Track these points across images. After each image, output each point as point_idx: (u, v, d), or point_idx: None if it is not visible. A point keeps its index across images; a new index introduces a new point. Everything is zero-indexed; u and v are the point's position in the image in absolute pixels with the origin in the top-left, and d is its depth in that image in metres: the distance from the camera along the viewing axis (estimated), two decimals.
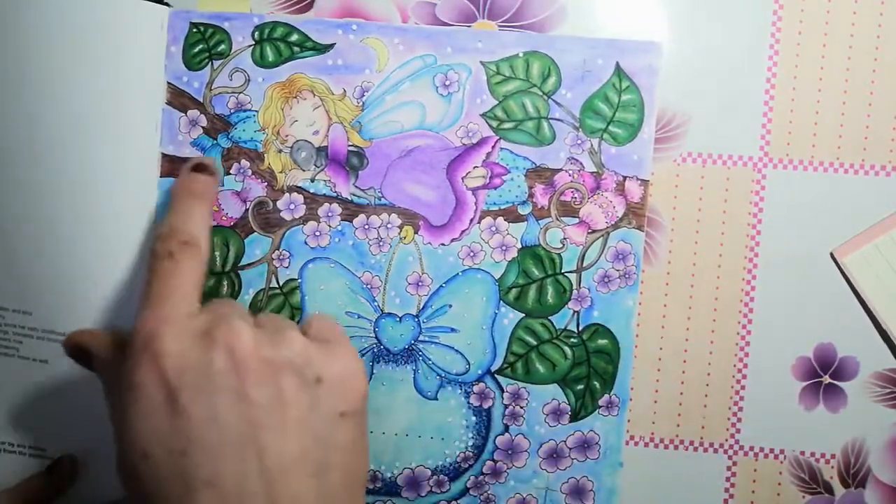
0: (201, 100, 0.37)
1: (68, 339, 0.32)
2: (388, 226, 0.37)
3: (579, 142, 0.37)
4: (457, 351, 0.37)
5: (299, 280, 0.37)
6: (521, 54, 0.37)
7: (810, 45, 0.39)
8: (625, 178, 0.37)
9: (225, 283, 0.37)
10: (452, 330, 0.37)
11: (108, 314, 0.36)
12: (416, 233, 0.37)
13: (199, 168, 0.34)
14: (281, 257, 0.37)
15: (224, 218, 0.37)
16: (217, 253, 0.37)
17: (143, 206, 0.37)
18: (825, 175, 0.40)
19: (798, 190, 0.40)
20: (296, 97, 0.37)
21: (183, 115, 0.37)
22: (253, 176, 0.37)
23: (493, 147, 0.37)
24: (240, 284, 0.37)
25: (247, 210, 0.37)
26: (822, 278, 0.40)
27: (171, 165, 0.37)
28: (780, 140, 0.40)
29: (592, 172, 0.37)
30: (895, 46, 0.40)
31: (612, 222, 0.37)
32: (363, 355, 0.37)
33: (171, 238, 0.31)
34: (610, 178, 0.37)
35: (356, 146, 0.37)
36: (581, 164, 0.37)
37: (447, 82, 0.37)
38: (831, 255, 0.40)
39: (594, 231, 0.37)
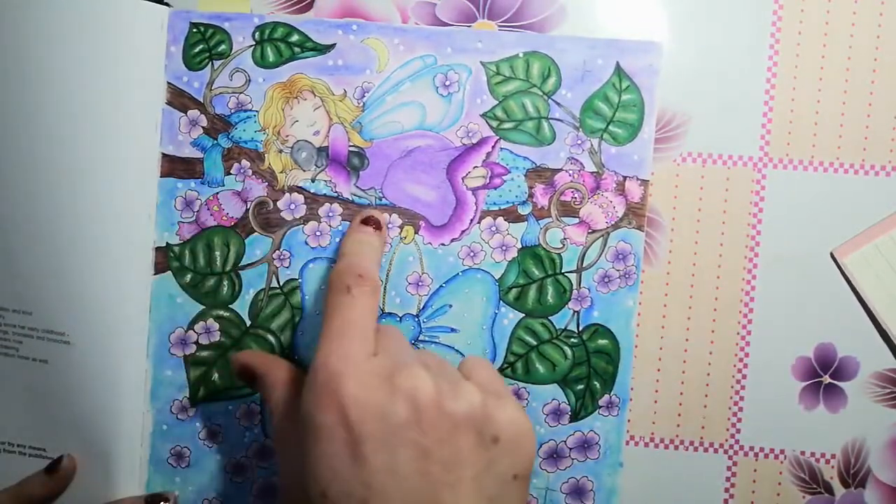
0: (201, 100, 0.37)
1: (236, 358, 0.35)
2: (389, 226, 0.37)
3: (579, 142, 0.37)
4: (457, 351, 0.37)
5: (300, 280, 0.37)
6: (521, 54, 0.37)
7: (810, 45, 0.39)
8: (625, 178, 0.37)
9: (225, 283, 0.37)
10: (452, 330, 0.37)
11: (109, 314, 0.36)
12: (416, 233, 0.37)
13: (367, 221, 0.35)
14: (281, 257, 0.37)
15: (224, 218, 0.37)
16: (217, 253, 0.37)
17: (143, 205, 0.37)
18: (825, 175, 0.40)
19: (798, 190, 0.40)
20: (296, 97, 0.37)
21: (183, 115, 0.37)
22: (253, 176, 0.37)
23: (494, 147, 0.37)
24: (240, 284, 0.37)
25: (247, 210, 0.37)
26: (822, 278, 0.40)
27: (171, 165, 0.37)
28: (780, 140, 0.40)
29: (592, 172, 0.37)
30: (895, 46, 0.39)
31: (612, 222, 0.37)
32: None
33: (348, 272, 0.31)
34: (610, 178, 0.37)
35: (357, 146, 0.37)
36: (581, 164, 0.37)
37: (447, 82, 0.37)
38: (831, 255, 0.40)
39: (594, 231, 0.37)
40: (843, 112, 0.40)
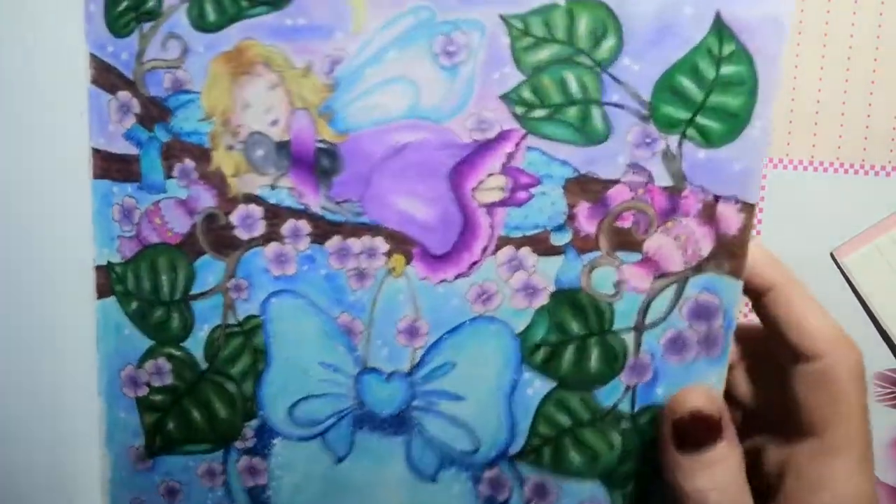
0: (131, 77, 0.28)
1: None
2: (372, 252, 0.27)
3: (648, 140, 0.24)
4: (462, 424, 0.28)
5: (262, 317, 0.29)
6: (562, 2, 0.24)
7: (810, 45, 0.41)
8: (717, 198, 0.24)
9: (175, 315, 0.29)
10: (457, 397, 0.27)
11: (51, 346, 0.30)
12: (408, 263, 0.27)
13: None
14: (238, 287, 0.28)
15: (169, 234, 0.29)
16: (164, 277, 0.29)
17: (76, 214, 0.29)
18: (825, 175, 0.42)
19: (798, 190, 0.42)
20: (247, 73, 0.27)
21: (112, 97, 0.28)
22: (199, 180, 0.28)
23: (518, 145, 0.25)
24: (192, 318, 0.29)
25: (194, 225, 0.28)
26: (822, 278, 0.42)
27: (105, 164, 0.29)
28: (780, 140, 0.41)
29: (667, 188, 0.24)
30: (895, 46, 0.40)
31: (694, 263, 0.25)
32: (341, 419, 0.29)
33: None
34: (694, 196, 0.24)
35: (327, 141, 0.27)
36: (649, 173, 0.24)
37: (451, 48, 0.25)
38: (831, 255, 0.42)
39: (665, 274, 0.25)
40: (843, 112, 0.41)
